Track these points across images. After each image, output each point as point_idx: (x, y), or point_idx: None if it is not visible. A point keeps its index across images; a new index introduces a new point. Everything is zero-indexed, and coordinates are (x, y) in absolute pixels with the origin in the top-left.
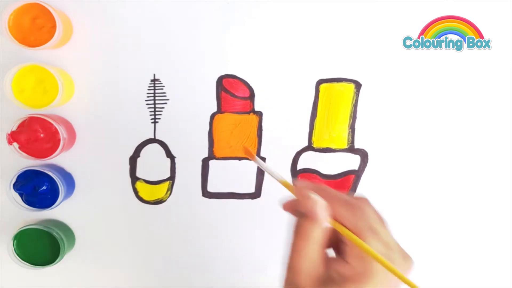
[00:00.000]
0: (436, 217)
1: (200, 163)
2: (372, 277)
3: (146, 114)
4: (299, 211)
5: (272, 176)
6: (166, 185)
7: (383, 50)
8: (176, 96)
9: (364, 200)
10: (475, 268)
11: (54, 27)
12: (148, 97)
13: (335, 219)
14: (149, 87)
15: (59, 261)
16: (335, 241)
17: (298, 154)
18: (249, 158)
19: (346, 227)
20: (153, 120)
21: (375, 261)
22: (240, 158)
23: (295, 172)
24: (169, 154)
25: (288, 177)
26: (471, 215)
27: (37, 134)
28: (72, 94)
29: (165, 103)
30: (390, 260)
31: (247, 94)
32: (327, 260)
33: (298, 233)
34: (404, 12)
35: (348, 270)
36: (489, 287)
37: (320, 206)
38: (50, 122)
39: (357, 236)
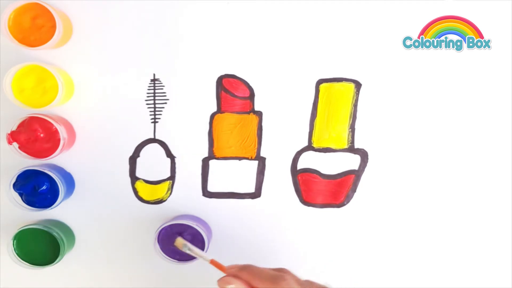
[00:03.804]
0: (436, 217)
1: (200, 163)
2: None
3: (146, 114)
4: None
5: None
6: (166, 185)
7: (383, 50)
8: (176, 96)
9: (285, 271)
10: (475, 268)
11: (54, 27)
12: (148, 97)
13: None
14: (149, 87)
15: (59, 261)
16: None
17: (298, 154)
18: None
19: None
20: (153, 120)
21: None
22: (240, 158)
23: (295, 172)
24: (169, 154)
25: (288, 177)
26: (471, 214)
27: (37, 134)
28: (72, 94)
29: (165, 103)
30: None
31: (247, 94)
32: None
33: None
34: (404, 12)
35: None
36: (489, 287)
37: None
38: (50, 122)
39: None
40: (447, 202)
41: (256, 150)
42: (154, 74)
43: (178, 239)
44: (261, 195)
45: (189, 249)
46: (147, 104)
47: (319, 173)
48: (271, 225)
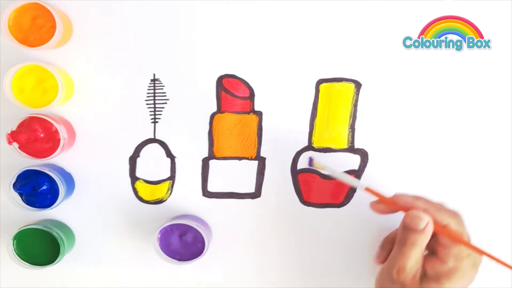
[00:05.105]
0: None
1: (200, 163)
2: (461, 272)
3: (146, 114)
4: (407, 226)
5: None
6: (166, 185)
7: (383, 50)
8: (176, 96)
9: (458, 213)
10: None
11: (54, 27)
12: (148, 97)
13: (439, 224)
14: (149, 87)
15: (59, 261)
16: (431, 242)
17: (298, 154)
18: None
19: (449, 231)
20: (153, 120)
21: (465, 260)
22: (240, 158)
23: (295, 172)
24: (169, 154)
25: (288, 177)
26: (471, 215)
27: (37, 134)
28: (72, 94)
29: (165, 103)
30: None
31: (247, 94)
32: (423, 258)
33: (407, 241)
34: (404, 12)
35: (443, 267)
36: (489, 287)
37: (429, 223)
38: (50, 122)
39: (460, 238)
40: (447, 202)
41: (256, 150)
42: (154, 74)
43: (316, 163)
44: (261, 195)
45: (332, 173)
46: (147, 104)
47: (319, 173)
48: (271, 225)
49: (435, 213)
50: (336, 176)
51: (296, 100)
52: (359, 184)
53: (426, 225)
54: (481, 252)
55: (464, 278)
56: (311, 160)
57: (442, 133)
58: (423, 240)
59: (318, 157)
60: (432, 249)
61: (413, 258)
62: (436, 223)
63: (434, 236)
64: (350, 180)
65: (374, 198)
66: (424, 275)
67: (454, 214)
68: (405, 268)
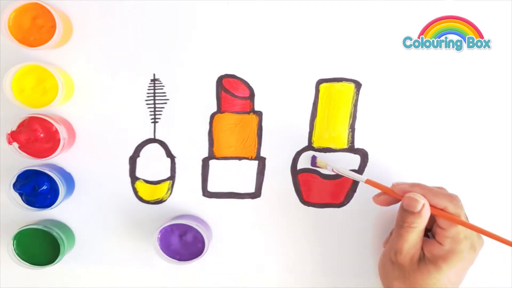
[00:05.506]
0: None
1: (200, 163)
2: (459, 255)
3: (146, 114)
4: (405, 208)
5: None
6: (166, 185)
7: (383, 50)
8: (176, 96)
9: (456, 196)
10: (475, 267)
11: (54, 27)
12: (148, 97)
13: (437, 207)
14: (149, 87)
15: (59, 261)
16: (430, 225)
17: (298, 154)
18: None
19: (447, 213)
20: (153, 120)
21: (462, 242)
22: (240, 158)
23: (295, 172)
24: (169, 154)
25: (288, 177)
26: (471, 216)
27: (37, 134)
28: (72, 94)
29: (165, 103)
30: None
31: (247, 94)
32: (422, 241)
33: (404, 223)
34: (404, 12)
35: (440, 250)
36: (489, 287)
37: (425, 205)
38: (50, 122)
39: (457, 218)
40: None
41: (256, 150)
42: (154, 74)
43: (320, 161)
44: (261, 195)
45: (336, 170)
46: (147, 104)
47: (319, 173)
48: (271, 225)
49: (432, 197)
50: (341, 171)
51: (296, 100)
52: (362, 178)
53: (422, 208)
54: (478, 230)
55: (463, 260)
56: (314, 159)
57: (442, 133)
58: (420, 222)
59: (320, 156)
60: (433, 234)
61: (410, 240)
62: (433, 206)
63: (434, 220)
64: (354, 175)
65: (376, 193)
66: (422, 258)
67: (452, 198)
68: (402, 250)
